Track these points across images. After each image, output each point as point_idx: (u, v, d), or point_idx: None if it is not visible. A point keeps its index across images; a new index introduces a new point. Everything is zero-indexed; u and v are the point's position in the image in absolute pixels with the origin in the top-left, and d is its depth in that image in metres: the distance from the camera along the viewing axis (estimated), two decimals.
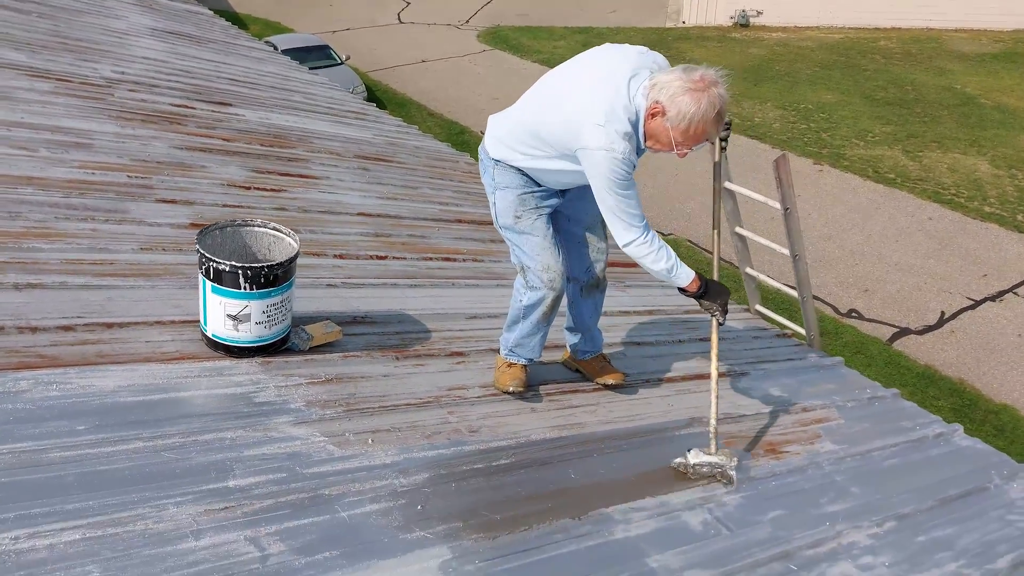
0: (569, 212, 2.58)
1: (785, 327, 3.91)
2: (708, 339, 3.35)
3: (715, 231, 2.61)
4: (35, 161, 3.30)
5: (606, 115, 2.18)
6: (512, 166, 2.44)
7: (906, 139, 13.37)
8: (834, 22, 19.55)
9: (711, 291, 2.40)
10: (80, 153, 3.54)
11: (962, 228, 10.77)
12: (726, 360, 3.30)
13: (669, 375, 3.04)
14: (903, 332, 8.99)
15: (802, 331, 3.79)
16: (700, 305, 2.45)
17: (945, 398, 7.96)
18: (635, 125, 2.21)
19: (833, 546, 2.19)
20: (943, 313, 9.19)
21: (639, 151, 2.28)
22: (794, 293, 3.61)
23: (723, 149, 2.44)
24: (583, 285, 2.64)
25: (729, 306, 2.52)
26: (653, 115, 2.17)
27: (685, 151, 2.21)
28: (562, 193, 2.50)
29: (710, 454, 2.38)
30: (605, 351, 2.92)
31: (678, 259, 2.36)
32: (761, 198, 3.32)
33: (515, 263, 2.53)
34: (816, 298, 9.55)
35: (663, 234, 10.59)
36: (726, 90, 2.16)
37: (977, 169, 12.30)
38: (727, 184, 3.42)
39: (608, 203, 2.26)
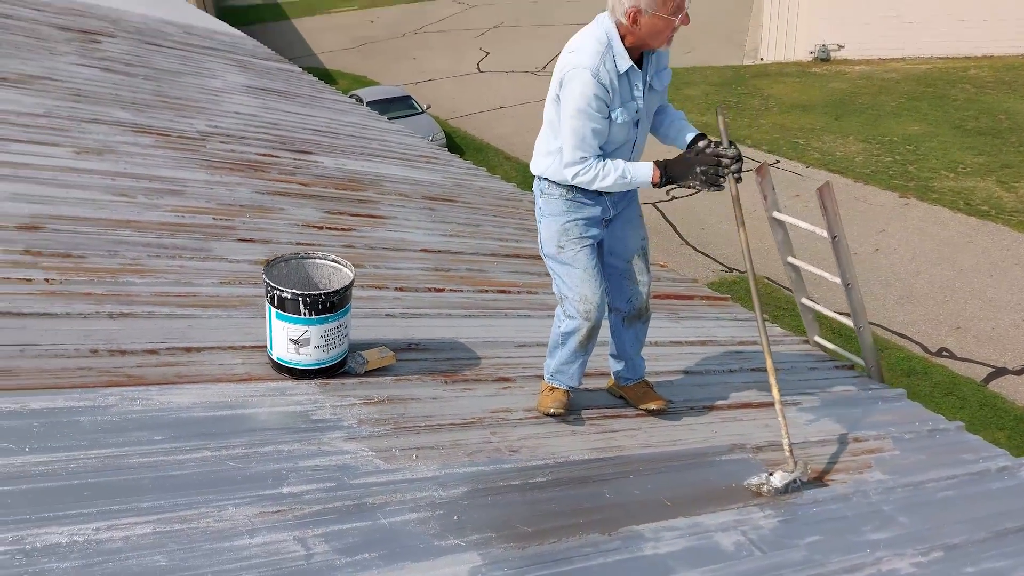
0: (611, 244, 2.69)
1: (845, 358, 3.85)
2: (761, 369, 3.38)
3: (749, 271, 2.67)
4: (133, 206, 3.69)
5: (571, 48, 2.39)
6: (557, 191, 2.53)
7: (1000, 169, 12.79)
8: (920, 52, 18.99)
9: (673, 169, 2.38)
10: (173, 199, 3.92)
11: None
12: (778, 389, 3.30)
13: (716, 403, 3.07)
14: (999, 372, 8.52)
15: (862, 362, 3.73)
16: (684, 186, 2.42)
17: None
18: (607, 48, 2.34)
19: (871, 572, 2.18)
20: None
21: (620, 76, 2.37)
22: (851, 323, 3.57)
23: (738, 180, 2.45)
24: (625, 315, 2.73)
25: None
26: (635, 20, 2.28)
27: (685, 14, 2.30)
28: (606, 223, 2.61)
29: (790, 471, 2.44)
30: (652, 379, 2.99)
31: (632, 166, 2.40)
32: (808, 227, 3.33)
33: (555, 292, 2.66)
34: (904, 336, 9.20)
35: (739, 271, 10.47)
36: None
37: None
38: (775, 214, 3.46)
39: (569, 126, 2.37)
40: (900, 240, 10.99)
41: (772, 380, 2.56)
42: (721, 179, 2.36)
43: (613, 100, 2.38)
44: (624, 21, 2.31)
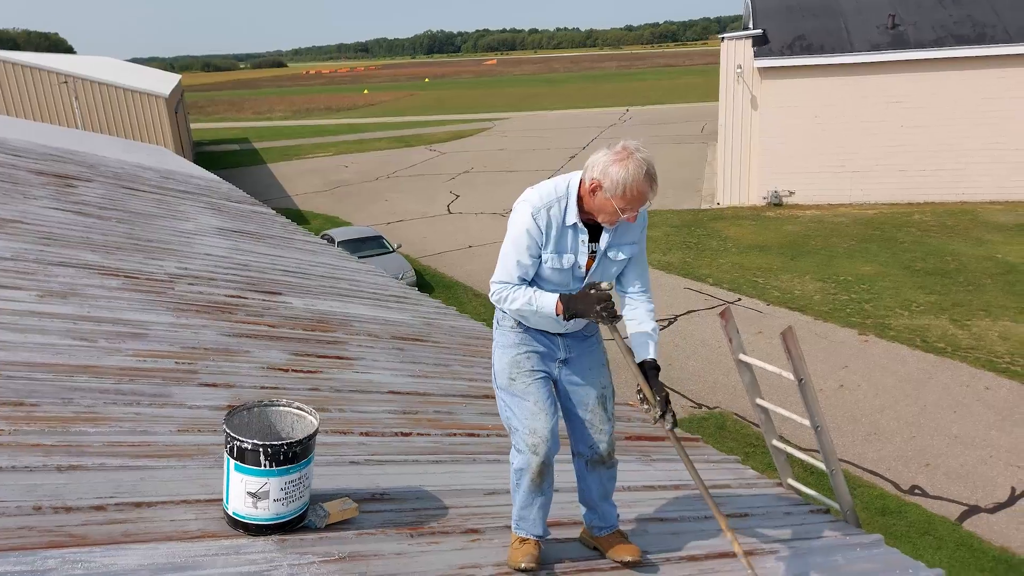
0: (569, 389, 2.68)
1: (820, 502, 3.78)
2: (738, 515, 3.30)
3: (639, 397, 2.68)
4: (93, 351, 3.62)
5: (534, 186, 2.50)
6: (508, 323, 2.61)
7: (952, 308, 13.27)
8: (867, 199, 20.20)
9: (571, 304, 2.42)
10: (135, 342, 3.86)
11: (1022, 397, 10.36)
12: (755, 538, 3.21)
13: (692, 552, 2.96)
14: (972, 510, 8.42)
15: (837, 506, 3.67)
16: (585, 317, 2.42)
17: None
18: (562, 199, 2.44)
19: None
20: (1014, 489, 8.63)
21: (564, 229, 2.46)
22: (822, 466, 3.54)
23: (614, 322, 2.46)
24: (588, 459, 2.69)
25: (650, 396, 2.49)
26: (593, 191, 2.39)
27: (632, 214, 2.39)
28: (561, 363, 2.63)
29: None
30: (625, 526, 2.90)
31: (539, 294, 2.46)
32: (775, 369, 3.38)
33: (504, 424, 2.65)
34: (875, 473, 9.13)
35: (708, 407, 10.47)
36: (648, 155, 2.37)
37: None
38: (741, 356, 3.51)
39: (502, 250, 2.50)
40: (863, 376, 11.16)
41: (723, 526, 2.53)
42: (614, 316, 2.43)
43: (546, 244, 2.48)
44: (587, 184, 2.43)
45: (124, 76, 29.40)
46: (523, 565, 2.54)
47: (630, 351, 2.58)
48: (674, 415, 2.52)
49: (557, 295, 2.45)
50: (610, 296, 2.39)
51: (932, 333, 12.40)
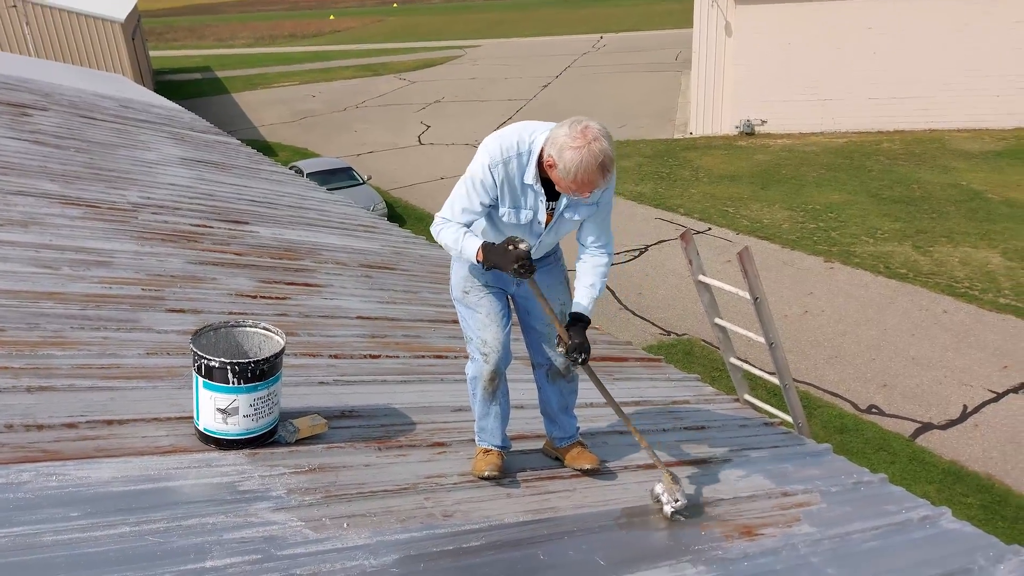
0: (527, 305, 2.75)
1: (774, 416, 3.96)
2: (694, 427, 3.45)
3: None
4: (57, 278, 3.61)
5: (501, 132, 2.48)
6: None
7: (915, 235, 13.55)
8: (837, 127, 20.25)
9: (489, 255, 2.42)
10: (100, 270, 3.85)
11: (978, 320, 10.73)
12: (710, 446, 3.37)
13: (650, 462, 3.10)
14: (926, 427, 8.83)
15: (790, 419, 3.85)
16: (502, 271, 2.42)
17: (973, 495, 7.72)
18: (524, 155, 2.43)
19: None
20: (965, 407, 9.04)
21: (524, 186, 2.46)
22: (777, 381, 3.70)
23: (530, 277, 2.45)
24: (547, 370, 2.79)
25: (584, 343, 2.54)
26: (550, 166, 2.38)
27: (586, 194, 2.39)
28: (518, 283, 2.69)
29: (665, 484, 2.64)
30: (586, 440, 3.03)
31: (467, 238, 2.46)
32: (732, 289, 3.48)
33: (463, 335, 2.74)
34: (834, 394, 9.49)
35: (676, 334, 10.71)
36: (609, 142, 2.33)
37: (989, 262, 12.37)
38: (701, 277, 3.60)
39: (455, 188, 2.51)
40: (827, 302, 11.45)
41: (637, 437, 2.72)
42: (530, 272, 2.42)
43: (503, 199, 2.48)
44: (545, 158, 2.40)
45: (77, 0, 28.05)
46: (486, 473, 2.66)
47: (547, 304, 2.57)
48: (580, 360, 2.54)
49: (480, 242, 2.45)
50: (528, 255, 2.37)
51: (895, 259, 12.69)
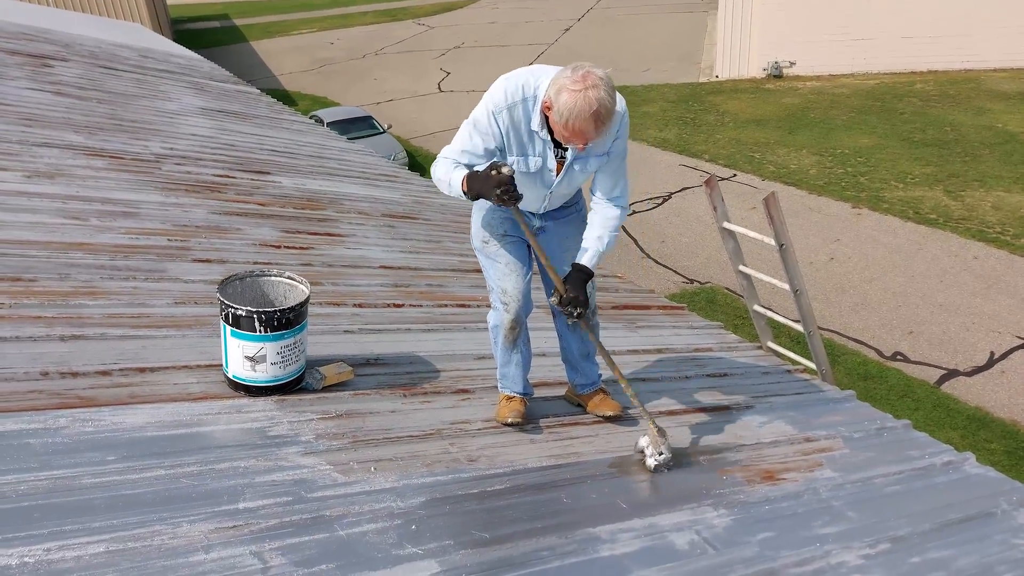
0: (548, 252, 2.71)
1: (797, 363, 3.95)
2: (717, 375, 3.46)
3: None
4: (85, 229, 3.65)
5: (508, 76, 2.37)
6: None
7: (947, 179, 13.23)
8: (869, 68, 19.63)
9: (473, 183, 2.31)
10: (127, 221, 3.89)
11: (1009, 266, 10.53)
12: (733, 393, 3.38)
13: (672, 408, 3.13)
14: (951, 374, 8.77)
15: (814, 366, 3.83)
16: (486, 198, 2.31)
17: (998, 441, 7.70)
18: (528, 100, 2.32)
19: (821, 565, 2.24)
20: (992, 353, 8.94)
21: (530, 132, 2.37)
22: (800, 328, 3.67)
23: (515, 204, 2.32)
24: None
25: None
26: (547, 108, 2.27)
27: (579, 145, 2.28)
28: (537, 232, 2.66)
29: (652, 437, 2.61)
30: (609, 386, 3.05)
31: (455, 171, 2.38)
32: (757, 235, 3.44)
33: (487, 283, 2.74)
34: (860, 341, 9.43)
35: (700, 283, 10.65)
36: (607, 92, 2.20)
37: (1023, 206, 12.07)
38: (726, 224, 3.56)
39: (459, 130, 2.43)
40: (854, 249, 11.28)
41: (624, 385, 2.66)
42: (515, 199, 2.29)
43: (509, 147, 2.39)
44: (544, 100, 2.30)
45: None
46: (509, 420, 2.70)
47: (534, 238, 2.49)
48: (575, 314, 2.47)
49: (466, 172, 2.36)
50: (511, 179, 2.26)
51: (925, 204, 12.42)
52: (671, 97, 19.65)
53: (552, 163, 2.43)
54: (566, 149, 2.41)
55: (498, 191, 2.24)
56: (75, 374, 2.49)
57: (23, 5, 14.81)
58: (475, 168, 2.36)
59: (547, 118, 2.32)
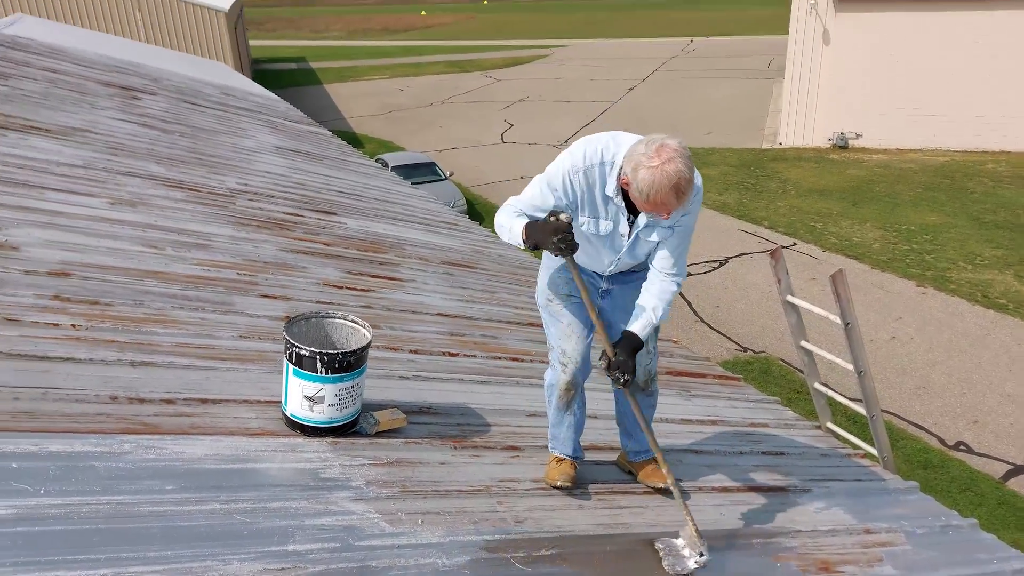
0: (611, 319, 2.70)
1: (858, 446, 3.81)
2: (773, 452, 3.36)
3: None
4: (161, 258, 3.80)
5: (588, 139, 2.40)
6: None
7: (1018, 263, 12.80)
8: (939, 145, 19.33)
9: (532, 232, 2.34)
10: (199, 252, 4.03)
11: None
12: (789, 475, 3.27)
13: (725, 484, 3.04)
14: (1018, 470, 8.33)
15: (875, 451, 3.70)
16: (543, 247, 2.33)
17: None
18: (606, 165, 2.36)
19: None
20: None
21: (605, 197, 2.41)
22: (864, 410, 3.56)
23: (570, 254, 2.34)
24: None
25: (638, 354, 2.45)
26: (625, 184, 2.32)
27: (664, 215, 2.31)
28: (603, 295, 2.67)
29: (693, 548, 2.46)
30: (660, 456, 2.98)
31: (517, 218, 2.41)
32: (822, 312, 3.37)
33: (548, 342, 2.74)
34: (920, 427, 9.06)
35: (754, 352, 10.44)
36: (685, 163, 2.21)
37: None
38: (790, 297, 3.50)
39: (534, 179, 2.46)
40: (917, 329, 10.94)
41: (659, 458, 2.55)
42: (571, 248, 2.32)
43: (581, 207, 2.43)
44: (622, 176, 2.34)
45: None
46: (559, 483, 2.66)
47: (587, 295, 2.49)
48: (621, 379, 2.43)
49: (526, 221, 2.38)
50: (568, 226, 2.26)
51: (994, 288, 12.01)
52: (733, 161, 19.62)
53: (624, 228, 2.46)
54: (637, 215, 2.43)
55: (555, 239, 2.27)
56: (142, 400, 2.56)
57: (118, 40, 15.74)
58: (535, 220, 2.39)
59: (624, 189, 2.36)
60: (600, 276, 2.64)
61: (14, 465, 2.08)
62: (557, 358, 2.67)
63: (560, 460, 2.74)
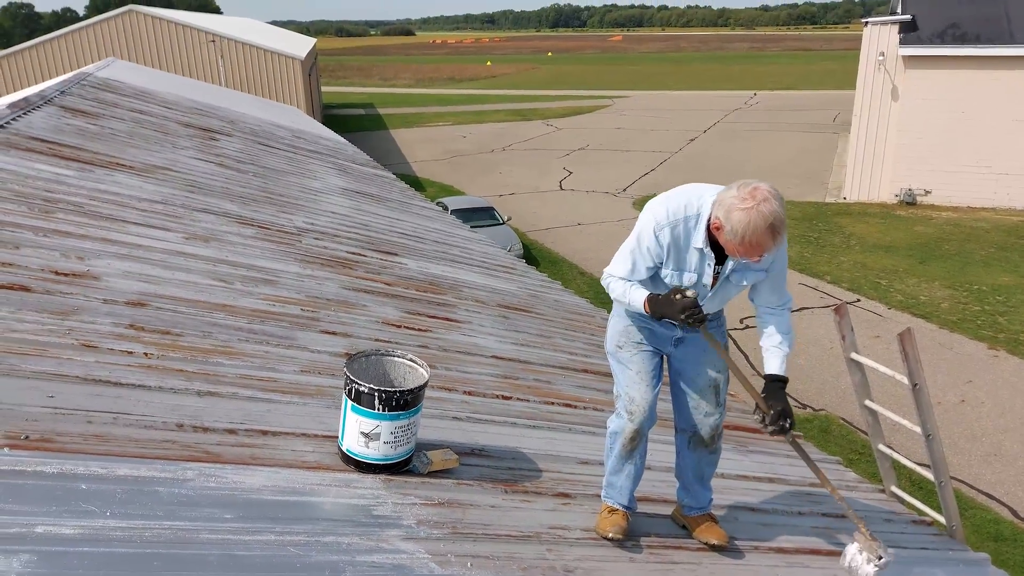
0: (681, 368, 2.71)
1: (924, 513, 3.65)
2: (833, 515, 3.24)
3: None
4: (230, 292, 3.94)
5: (668, 194, 2.46)
6: None
7: None
8: (1012, 204, 18.70)
9: (657, 306, 2.43)
10: (266, 288, 4.17)
11: None
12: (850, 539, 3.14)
13: (781, 545, 2.94)
14: None
15: (943, 519, 3.52)
16: (672, 320, 2.44)
17: None
18: (691, 219, 2.41)
19: None
20: None
21: (691, 249, 2.46)
22: (931, 476, 3.41)
23: (700, 326, 2.45)
24: (689, 437, 2.72)
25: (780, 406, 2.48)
26: (717, 229, 2.35)
27: (756, 258, 2.34)
28: (676, 342, 2.66)
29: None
30: (716, 512, 2.92)
31: (633, 290, 2.51)
32: (888, 371, 3.27)
33: (614, 389, 2.74)
34: (991, 496, 8.59)
35: (814, 409, 10.12)
36: (779, 204, 2.27)
37: None
38: (853, 355, 3.41)
39: (623, 246, 2.54)
40: (988, 393, 10.45)
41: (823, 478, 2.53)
42: (701, 321, 2.41)
43: (667, 261, 2.48)
44: (713, 220, 2.39)
45: (264, 38, 30.98)
46: (610, 534, 2.62)
47: (726, 352, 2.56)
48: (787, 427, 2.48)
49: (647, 294, 2.47)
50: (695, 303, 2.36)
51: None
52: (795, 215, 19.32)
53: (708, 279, 2.50)
54: (724, 262, 2.46)
55: (684, 315, 2.36)
56: (206, 429, 2.64)
57: (199, 84, 16.60)
58: (658, 294, 2.47)
59: (711, 236, 2.39)
60: (675, 325, 2.64)
61: (83, 486, 2.16)
62: (624, 406, 2.66)
63: (613, 511, 2.71)
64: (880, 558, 2.41)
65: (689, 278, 2.49)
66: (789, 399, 10.84)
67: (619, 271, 2.55)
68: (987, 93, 18.22)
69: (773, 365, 2.53)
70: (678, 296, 2.38)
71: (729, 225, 2.29)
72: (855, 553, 2.48)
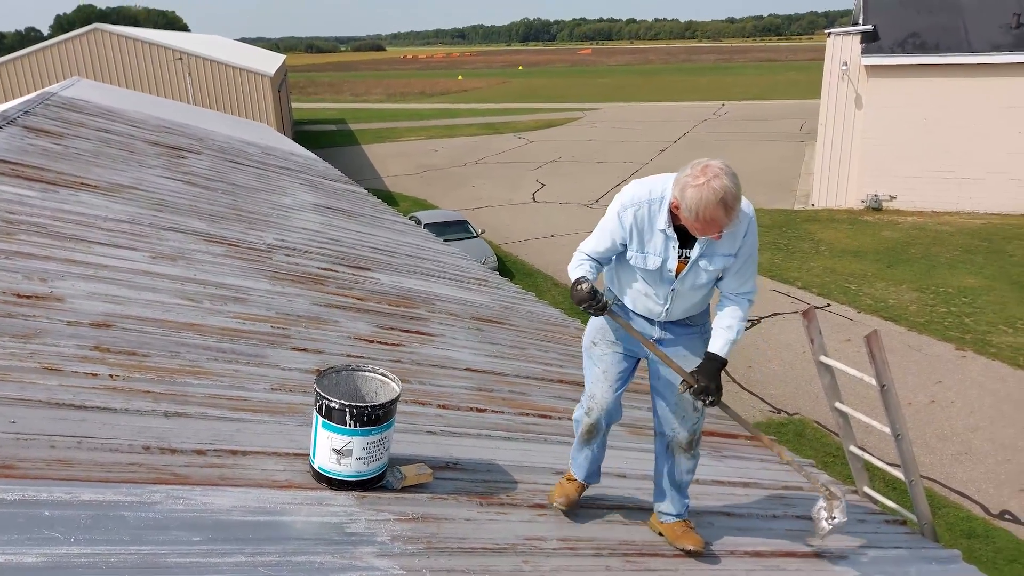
0: (659, 371, 2.73)
1: (896, 512, 3.69)
2: (804, 517, 3.27)
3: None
4: (198, 311, 3.89)
5: (638, 180, 2.56)
6: (613, 297, 2.72)
7: None
8: (975, 208, 19.12)
9: (571, 293, 2.52)
10: (236, 306, 4.12)
11: None
12: (824, 540, 3.17)
13: (758, 549, 2.96)
14: None
15: (915, 518, 3.57)
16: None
17: None
18: (655, 201, 2.48)
19: None
20: None
21: (655, 231, 2.51)
22: (902, 475, 3.45)
23: (600, 315, 2.56)
24: (669, 441, 2.75)
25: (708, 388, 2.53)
26: (676, 208, 2.42)
27: (715, 234, 2.39)
28: (657, 342, 2.68)
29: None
30: (692, 518, 2.93)
31: (576, 269, 2.58)
32: (856, 373, 3.31)
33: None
34: (963, 495, 8.73)
35: (788, 413, 10.22)
36: (731, 179, 2.31)
37: None
38: (823, 358, 3.45)
39: (598, 224, 2.61)
40: (957, 393, 10.64)
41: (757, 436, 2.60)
42: (601, 311, 2.51)
43: (631, 242, 2.53)
44: (671, 200, 2.45)
45: (233, 55, 30.80)
46: (555, 503, 2.78)
47: (644, 340, 2.60)
48: (708, 402, 2.54)
49: (579, 277, 2.55)
50: (590, 295, 2.45)
51: None
52: (765, 222, 19.56)
53: (673, 263, 2.52)
54: (691, 249, 2.49)
55: (581, 308, 2.49)
56: (174, 451, 2.59)
57: (167, 102, 16.44)
58: (582, 278, 2.54)
59: (676, 217, 2.44)
60: (653, 323, 2.66)
61: (46, 513, 2.11)
62: (586, 400, 2.77)
63: (571, 480, 2.86)
64: (834, 518, 2.50)
65: (652, 261, 2.53)
66: (763, 403, 10.81)
67: (585, 247, 2.63)
68: (948, 100, 18.67)
69: (715, 345, 2.57)
70: (579, 287, 2.47)
71: (683, 203, 2.35)
72: (821, 506, 2.62)
